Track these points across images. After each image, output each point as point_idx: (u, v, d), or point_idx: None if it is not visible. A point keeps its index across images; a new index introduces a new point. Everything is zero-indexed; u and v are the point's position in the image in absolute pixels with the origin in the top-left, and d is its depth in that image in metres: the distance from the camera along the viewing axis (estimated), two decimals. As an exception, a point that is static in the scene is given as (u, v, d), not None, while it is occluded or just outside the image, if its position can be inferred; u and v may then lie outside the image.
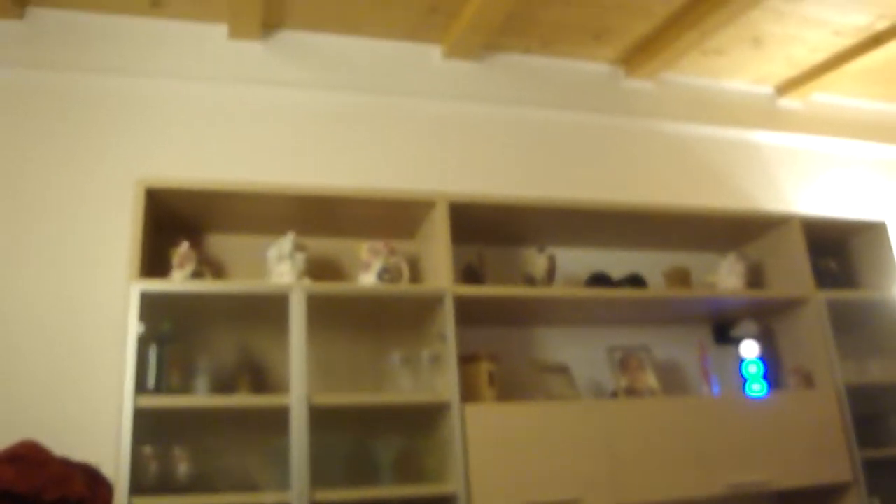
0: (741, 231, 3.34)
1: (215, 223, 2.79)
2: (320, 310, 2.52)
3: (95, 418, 2.51)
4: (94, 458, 2.38)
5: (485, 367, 2.64)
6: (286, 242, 2.61)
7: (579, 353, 3.13)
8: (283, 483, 2.30)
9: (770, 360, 3.22)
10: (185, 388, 2.39)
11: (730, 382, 3.26)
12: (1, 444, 2.24)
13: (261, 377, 2.65)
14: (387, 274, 2.66)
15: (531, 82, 3.59)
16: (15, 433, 2.34)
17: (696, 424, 2.72)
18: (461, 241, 2.89)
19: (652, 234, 3.28)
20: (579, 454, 2.54)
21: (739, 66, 3.85)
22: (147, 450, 2.27)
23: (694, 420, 2.72)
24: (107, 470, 2.34)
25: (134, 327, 2.25)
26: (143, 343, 2.27)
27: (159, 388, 2.30)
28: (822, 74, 3.85)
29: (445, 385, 2.52)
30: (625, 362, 2.98)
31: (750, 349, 3.16)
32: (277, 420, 2.31)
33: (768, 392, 3.02)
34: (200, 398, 2.36)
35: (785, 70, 3.90)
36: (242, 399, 2.40)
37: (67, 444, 2.38)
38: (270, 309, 2.50)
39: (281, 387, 2.55)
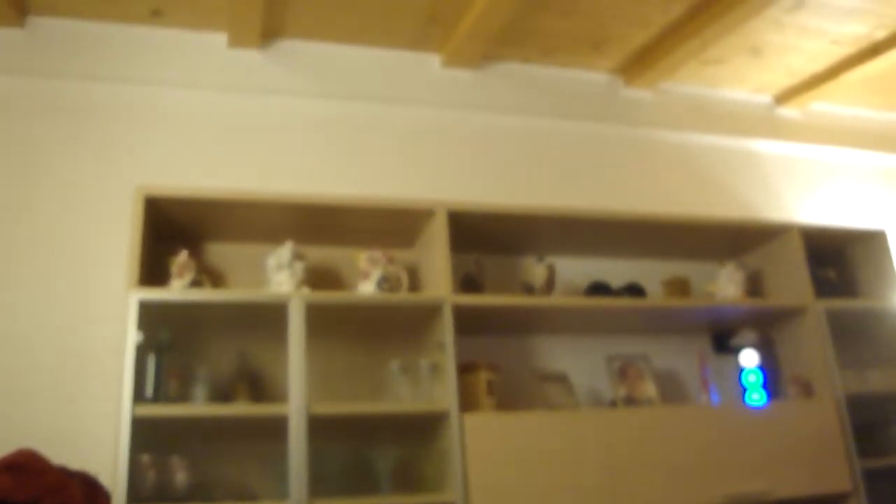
0: (740, 240, 3.34)
1: (214, 232, 2.79)
2: (319, 319, 2.52)
3: (93, 427, 2.50)
4: (91, 466, 2.37)
5: (483, 377, 2.63)
6: (285, 251, 2.61)
7: (578, 362, 3.12)
8: (281, 492, 2.29)
9: (769, 369, 3.22)
10: (184, 397, 2.39)
11: (729, 392, 3.26)
12: (-2, 453, 2.24)
13: (259, 386, 2.64)
14: (386, 283, 2.66)
15: (530, 91, 3.60)
16: (13, 441, 2.34)
17: (696, 434, 2.71)
18: (460, 250, 2.89)
19: (651, 243, 3.28)
20: (578, 463, 2.53)
21: (738, 76, 3.85)
22: (145, 459, 2.26)
23: (693, 429, 2.72)
24: (105, 479, 2.33)
25: (132, 336, 2.25)
26: (141, 352, 2.27)
27: (157, 397, 2.29)
28: (821, 84, 3.85)
29: (444, 394, 2.52)
30: (624, 371, 2.97)
31: (749, 358, 3.16)
32: (276, 429, 2.31)
33: (768, 401, 3.01)
34: (199, 407, 2.35)
35: (784, 79, 3.91)
36: (241, 408, 2.40)
37: (65, 453, 2.37)
38: (269, 318, 2.50)
39: (279, 396, 2.54)
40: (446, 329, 2.57)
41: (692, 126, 3.83)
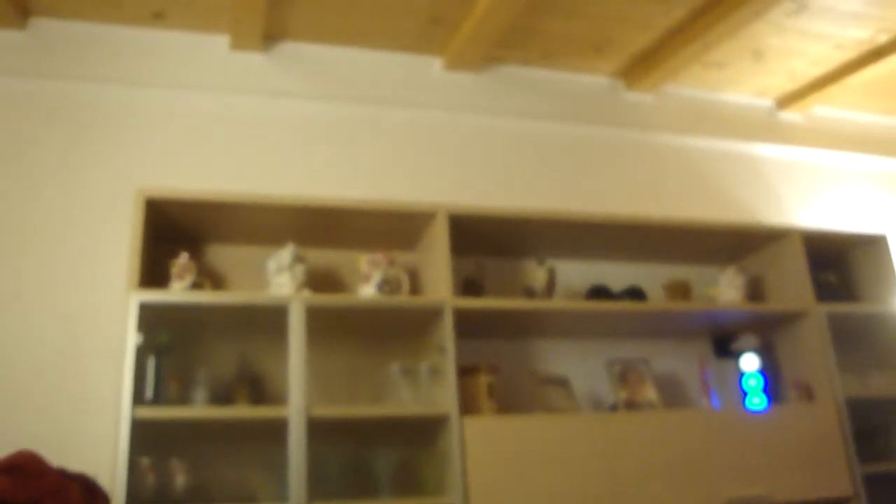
0: (741, 244, 3.34)
1: (215, 234, 2.79)
2: (319, 321, 2.52)
3: (93, 429, 2.50)
4: (91, 469, 2.36)
5: (484, 380, 2.63)
6: (286, 254, 2.60)
7: (579, 365, 3.12)
8: (281, 495, 2.29)
9: (770, 373, 3.21)
10: (184, 400, 2.39)
11: (730, 396, 3.25)
12: (-2, 455, 2.23)
13: (259, 389, 2.64)
14: (386, 286, 2.66)
15: (532, 94, 3.59)
16: (12, 443, 2.33)
17: (696, 438, 2.71)
18: (461, 253, 2.89)
19: (652, 247, 3.28)
20: (578, 467, 2.53)
21: (740, 79, 3.85)
22: (144, 461, 2.26)
23: (694, 433, 2.71)
24: (104, 481, 2.33)
25: (132, 338, 2.25)
26: (141, 354, 2.27)
27: (157, 400, 2.29)
28: (823, 87, 3.85)
29: (444, 397, 2.51)
30: (624, 375, 2.97)
31: (750, 362, 3.15)
32: (276, 432, 2.31)
33: (768, 405, 3.01)
34: (199, 409, 2.35)
35: (786, 83, 3.91)
36: (241, 411, 2.40)
37: (64, 455, 2.36)
38: (269, 320, 2.50)
39: (279, 399, 2.54)
40: (447, 332, 2.57)
41: (693, 130, 3.83)
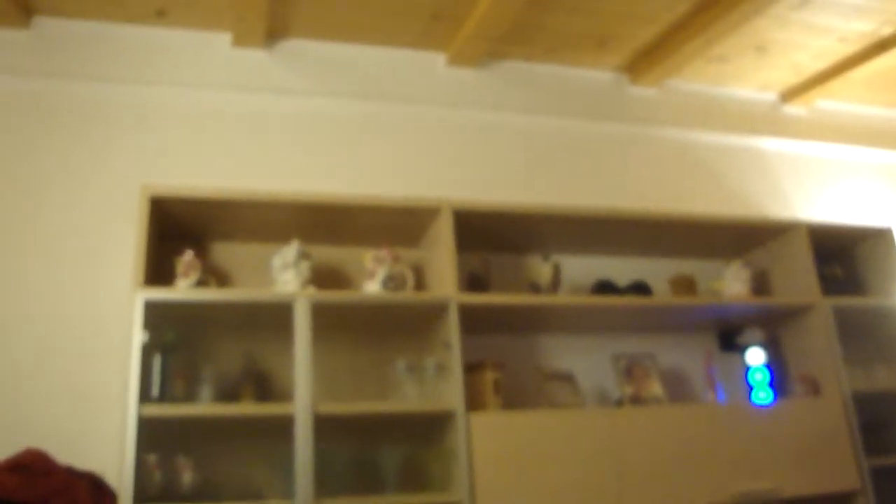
0: (746, 238, 3.33)
1: (219, 231, 2.79)
2: (325, 318, 2.52)
3: (100, 427, 2.51)
4: (98, 467, 2.37)
5: (490, 376, 2.63)
6: (290, 251, 2.60)
7: (584, 360, 3.12)
8: (287, 492, 2.29)
9: (776, 367, 3.21)
10: (190, 397, 2.39)
11: (736, 390, 3.25)
12: (5, 453, 2.24)
13: (265, 386, 2.64)
14: (391, 282, 2.66)
15: (535, 90, 3.59)
16: (19, 442, 2.34)
17: (702, 432, 2.70)
18: (465, 249, 2.89)
19: (657, 242, 3.27)
20: (584, 462, 2.52)
21: (744, 73, 3.84)
22: (151, 459, 2.27)
23: (700, 428, 2.71)
24: (111, 479, 2.34)
25: (138, 336, 2.25)
26: (147, 352, 2.27)
27: (163, 397, 2.29)
28: (827, 81, 3.84)
29: (450, 393, 2.51)
30: (630, 370, 2.97)
31: (756, 356, 3.15)
32: (282, 429, 2.31)
33: (774, 400, 3.00)
34: (204, 407, 2.35)
35: (789, 77, 3.90)
36: (246, 408, 2.40)
37: (72, 453, 2.37)
38: (275, 317, 2.50)
39: (285, 395, 2.54)
40: (452, 328, 2.57)
41: (698, 124, 3.82)
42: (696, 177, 3.71)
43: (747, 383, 3.14)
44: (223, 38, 3.17)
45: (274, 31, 3.21)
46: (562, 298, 2.82)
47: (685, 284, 3.20)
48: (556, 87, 3.63)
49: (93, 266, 2.71)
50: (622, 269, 3.34)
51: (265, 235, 2.83)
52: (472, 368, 2.64)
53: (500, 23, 3.14)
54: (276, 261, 2.62)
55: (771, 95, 4.06)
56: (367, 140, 3.23)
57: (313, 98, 3.22)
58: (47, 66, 2.93)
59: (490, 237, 3.03)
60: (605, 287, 3.09)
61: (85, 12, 2.98)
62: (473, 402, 2.55)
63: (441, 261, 2.72)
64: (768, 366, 3.13)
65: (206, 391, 2.42)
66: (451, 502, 2.38)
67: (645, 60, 3.63)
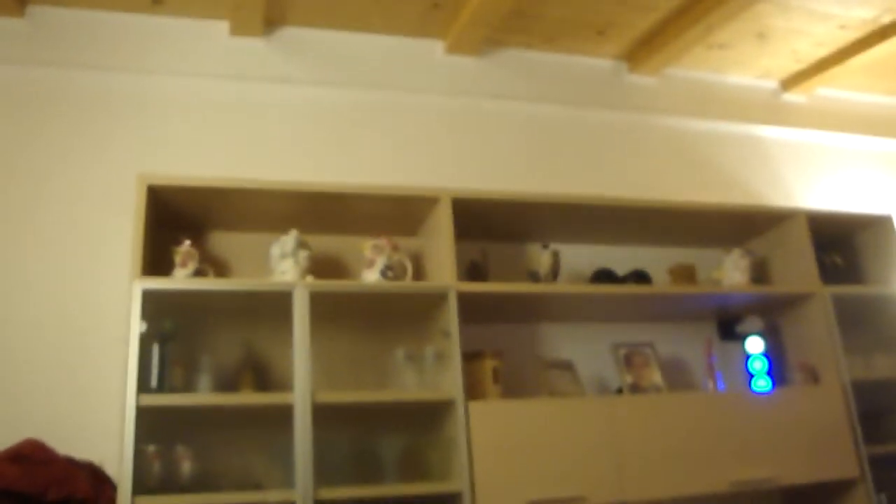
0: (746, 226, 3.32)
1: (218, 221, 2.78)
2: (323, 307, 2.51)
3: (99, 417, 2.50)
4: (97, 457, 2.37)
5: (489, 364, 2.63)
6: (289, 240, 2.60)
7: (584, 349, 3.12)
8: (286, 481, 2.29)
9: (775, 355, 3.21)
10: (188, 387, 2.39)
11: (735, 379, 3.25)
12: (5, 444, 2.24)
13: (264, 375, 2.64)
14: (390, 271, 2.65)
15: (534, 78, 3.57)
16: (19, 432, 2.34)
17: (702, 421, 2.70)
18: (465, 238, 2.88)
19: (656, 230, 3.27)
20: (584, 451, 2.52)
21: (744, 61, 3.83)
22: (150, 449, 2.26)
23: (699, 417, 2.71)
24: (110, 469, 2.34)
25: (136, 326, 2.25)
26: (145, 341, 2.26)
27: (162, 387, 2.29)
28: (828, 69, 3.82)
29: (450, 382, 2.51)
30: (630, 359, 2.96)
31: (755, 345, 3.15)
32: (281, 418, 2.31)
33: (774, 388, 3.00)
34: (203, 397, 2.35)
35: (790, 64, 3.88)
36: (246, 397, 2.40)
37: (71, 444, 2.37)
38: (273, 307, 2.50)
39: (284, 385, 2.54)
40: (451, 317, 2.56)
41: (697, 112, 3.81)
42: (696, 165, 3.70)
43: (747, 372, 3.14)
44: (220, 27, 3.15)
45: (271, 20, 3.19)
46: (561, 287, 2.82)
47: (685, 273, 3.20)
48: (556, 76, 3.62)
49: (90, 256, 2.70)
50: (622, 257, 3.34)
51: (263, 225, 2.82)
52: (471, 357, 2.64)
53: (498, 10, 3.12)
54: (275, 250, 2.61)
55: (771, 83, 4.04)
56: (365, 129, 3.22)
57: (311, 87, 3.20)
58: (42, 55, 2.91)
59: (489, 226, 3.02)
60: (604, 276, 3.08)
61: (80, 1, 2.96)
62: (473, 391, 2.55)
63: (440, 250, 2.72)
64: (768, 354, 3.13)
65: (204, 381, 2.42)
66: (451, 491, 2.39)
67: (644, 48, 3.62)
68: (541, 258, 2.91)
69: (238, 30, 3.13)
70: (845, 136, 4.08)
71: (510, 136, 3.44)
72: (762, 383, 3.07)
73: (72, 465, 2.27)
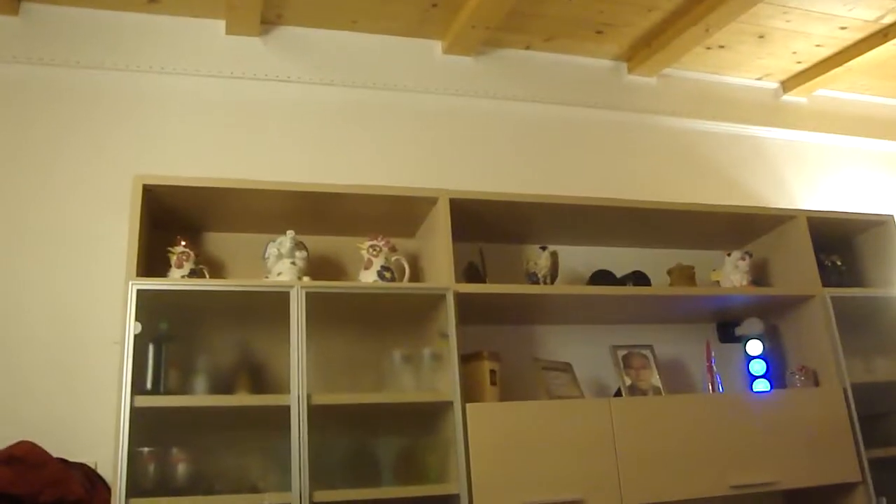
0: (746, 228, 3.31)
1: (214, 221, 2.76)
2: (320, 308, 2.49)
3: (93, 419, 2.48)
4: (91, 459, 2.36)
5: (487, 366, 2.61)
6: (286, 240, 2.58)
7: (582, 351, 3.10)
8: (283, 484, 2.27)
9: (775, 358, 3.19)
10: (184, 388, 2.37)
11: (735, 381, 3.23)
12: (-3, 445, 2.22)
13: (260, 377, 2.62)
14: (388, 272, 2.64)
15: (533, 78, 3.56)
16: (12, 434, 2.32)
17: (701, 424, 2.69)
18: (463, 239, 2.86)
19: (656, 232, 3.25)
20: (583, 454, 2.51)
21: (744, 62, 3.82)
22: (145, 451, 2.24)
23: (699, 419, 2.69)
24: (104, 471, 2.32)
25: (131, 326, 2.23)
26: (140, 342, 2.24)
27: (157, 389, 2.27)
28: (828, 70, 3.81)
29: (447, 384, 2.49)
30: (628, 361, 2.95)
31: (755, 347, 3.13)
32: (277, 420, 2.29)
33: (773, 390, 2.99)
34: (199, 398, 2.33)
35: (790, 65, 3.87)
36: (241, 399, 2.38)
37: (65, 445, 2.35)
38: (270, 308, 2.48)
39: (281, 386, 2.51)
40: (449, 318, 2.55)
41: (697, 113, 3.80)
42: (696, 166, 3.69)
43: (747, 374, 3.13)
44: (217, 26, 3.14)
45: (268, 19, 3.17)
46: (560, 288, 2.80)
47: (684, 275, 3.18)
48: (555, 76, 3.60)
49: (85, 256, 2.69)
50: (621, 259, 3.32)
51: (260, 225, 2.80)
52: (468, 359, 2.62)
53: (497, 10, 3.11)
54: (272, 250, 2.59)
55: (771, 84, 4.03)
56: (363, 129, 3.20)
57: (308, 86, 3.19)
58: (37, 53, 2.89)
59: (487, 227, 3.00)
60: (603, 277, 3.07)
61: (76, -1, 2.95)
62: (470, 392, 2.54)
63: (438, 250, 2.70)
64: (767, 356, 3.12)
65: (200, 382, 2.40)
66: (448, 493, 2.37)
67: (644, 49, 3.61)
68: (539, 259, 2.90)
69: (234, 29, 3.11)
70: (846, 138, 4.07)
71: (508, 136, 3.42)
72: (762, 386, 3.05)
73: (65, 467, 2.26)
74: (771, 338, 3.23)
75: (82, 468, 2.30)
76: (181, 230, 2.69)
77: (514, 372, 2.91)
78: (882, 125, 4.19)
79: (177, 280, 2.41)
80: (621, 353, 2.96)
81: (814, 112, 4.07)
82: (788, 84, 4.00)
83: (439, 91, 3.38)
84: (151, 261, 2.52)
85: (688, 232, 3.28)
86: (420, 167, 3.22)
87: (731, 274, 3.15)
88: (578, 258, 3.27)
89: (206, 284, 2.41)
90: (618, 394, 2.88)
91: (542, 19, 3.35)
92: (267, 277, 2.59)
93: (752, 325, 3.19)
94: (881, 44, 3.58)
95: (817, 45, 3.69)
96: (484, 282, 2.82)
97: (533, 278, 2.89)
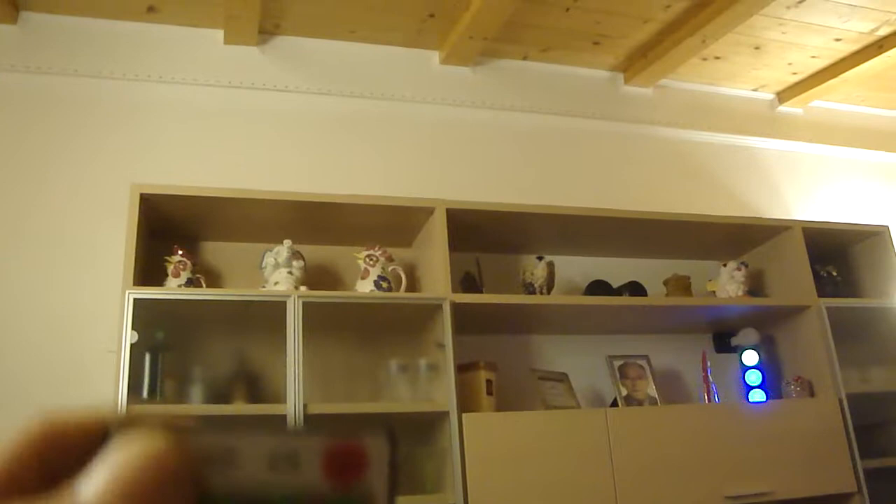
0: (742, 238, 3.31)
1: (211, 230, 2.76)
2: (317, 318, 2.49)
3: (88, 428, 2.47)
4: (86, 468, 2.34)
5: (483, 376, 2.61)
6: (283, 250, 2.58)
7: (578, 361, 3.10)
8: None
9: (771, 368, 3.19)
10: (180, 398, 2.37)
11: (731, 391, 3.23)
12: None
13: (257, 386, 2.62)
14: (384, 282, 2.64)
15: (529, 89, 3.57)
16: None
17: (697, 434, 2.69)
18: (459, 249, 2.87)
19: (652, 242, 3.26)
20: (578, 464, 2.50)
21: (740, 73, 3.83)
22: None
23: (694, 429, 2.69)
24: (100, 480, 2.31)
25: (128, 335, 2.23)
26: (136, 352, 2.24)
27: (154, 398, 2.27)
28: (823, 81, 3.83)
29: (443, 394, 2.49)
30: (624, 371, 2.95)
31: (751, 357, 3.13)
32: (273, 430, 2.28)
33: (769, 401, 2.99)
34: (195, 407, 2.33)
35: (786, 76, 3.89)
36: (238, 408, 2.38)
37: (60, 454, 2.34)
38: (267, 317, 2.47)
39: (277, 396, 2.51)
40: (445, 328, 2.55)
41: (693, 124, 3.81)
42: (692, 177, 3.70)
43: (742, 384, 3.13)
44: (215, 35, 3.14)
45: (266, 29, 3.18)
46: (556, 298, 2.81)
47: (680, 285, 3.19)
48: (551, 86, 3.61)
49: (82, 265, 2.68)
50: (617, 269, 3.32)
51: (257, 234, 2.80)
52: (465, 369, 2.62)
53: (494, 21, 3.12)
54: (268, 260, 2.59)
55: (767, 95, 4.05)
56: (360, 139, 3.21)
57: (306, 96, 3.20)
58: (36, 62, 2.90)
59: (484, 237, 3.01)
60: (599, 287, 3.07)
61: (74, 8, 2.95)
62: (466, 402, 2.53)
63: (435, 260, 2.70)
64: (763, 367, 3.12)
65: (196, 391, 2.40)
66: (444, 503, 2.37)
67: (640, 59, 3.62)
68: (536, 269, 2.90)
69: (232, 38, 3.12)
70: (841, 149, 4.08)
71: (506, 146, 3.43)
72: (758, 396, 3.06)
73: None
74: (767, 348, 3.23)
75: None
76: (178, 239, 2.69)
77: (510, 382, 2.91)
78: (877, 136, 4.20)
79: (173, 289, 2.41)
80: (617, 363, 2.96)
81: (809, 123, 4.08)
82: (784, 95, 4.01)
83: (436, 101, 3.39)
84: (148, 270, 2.52)
85: (684, 242, 3.29)
86: (417, 177, 3.22)
87: (726, 284, 3.15)
88: (575, 268, 3.27)
89: (203, 294, 2.41)
90: (614, 404, 2.88)
91: (539, 30, 3.36)
92: (264, 287, 2.59)
93: (748, 335, 3.19)
94: (876, 55, 3.60)
95: (813, 57, 3.71)
96: (480, 292, 2.82)
97: (529, 288, 2.89)
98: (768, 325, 3.27)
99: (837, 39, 3.56)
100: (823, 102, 4.13)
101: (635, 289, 3.12)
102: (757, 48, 3.62)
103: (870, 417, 3.08)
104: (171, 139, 2.95)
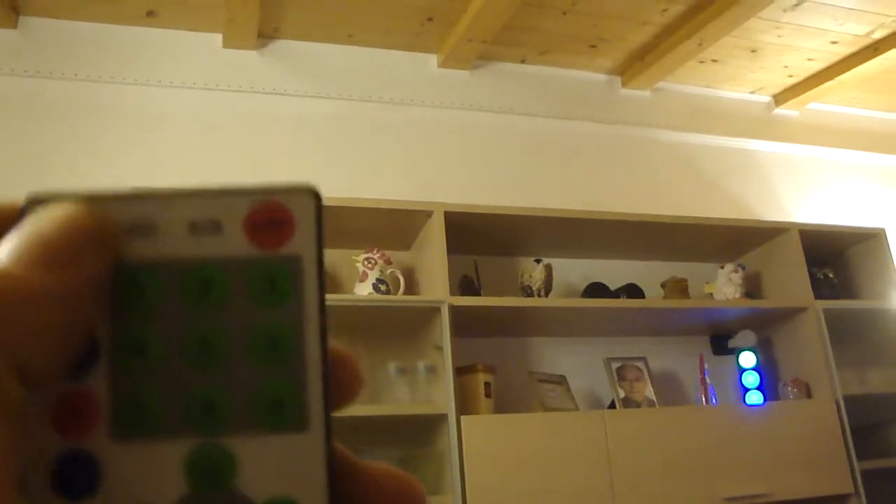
0: (739, 241, 3.32)
1: (210, 233, 2.76)
2: (315, 321, 2.50)
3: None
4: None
5: (481, 379, 2.62)
6: (281, 253, 2.58)
7: (576, 363, 3.11)
8: (277, 496, 2.27)
9: (768, 370, 3.21)
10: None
11: (728, 393, 3.24)
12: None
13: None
14: (383, 284, 2.65)
15: (527, 92, 3.58)
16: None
17: (695, 436, 2.70)
18: (457, 252, 2.87)
19: (649, 244, 3.27)
20: (577, 466, 2.51)
21: (736, 76, 3.84)
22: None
23: (692, 431, 2.70)
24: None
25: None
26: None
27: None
28: (820, 84, 3.84)
29: (442, 396, 2.50)
30: (622, 373, 2.96)
31: (748, 359, 3.14)
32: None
33: (766, 402, 3.00)
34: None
35: (782, 79, 3.90)
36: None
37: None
38: (265, 320, 2.48)
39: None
40: (444, 331, 2.56)
41: (690, 126, 3.82)
42: (689, 179, 3.71)
43: (740, 386, 3.14)
44: (214, 39, 3.15)
45: (265, 32, 3.19)
46: (554, 301, 2.81)
47: (677, 287, 3.20)
48: (549, 89, 3.62)
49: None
50: (614, 271, 3.33)
51: (256, 237, 2.80)
52: (463, 371, 2.63)
53: (492, 24, 3.13)
54: (267, 263, 2.60)
55: (763, 98, 4.06)
56: (358, 142, 3.22)
57: (305, 100, 3.20)
58: (35, 66, 2.90)
59: (482, 239, 3.01)
60: (597, 290, 3.08)
61: (73, 12, 2.96)
62: (465, 405, 2.54)
63: (433, 263, 2.71)
64: (760, 369, 3.13)
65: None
66: (443, 506, 2.37)
67: (637, 62, 3.63)
68: (534, 272, 2.91)
69: (231, 42, 3.13)
70: (837, 151, 4.10)
71: (503, 149, 3.44)
72: (755, 398, 3.07)
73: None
74: (764, 350, 3.24)
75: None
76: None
77: (508, 384, 2.92)
78: (873, 138, 4.22)
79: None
80: (615, 365, 2.97)
81: (806, 125, 4.09)
82: (780, 97, 4.03)
83: (435, 104, 3.40)
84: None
85: (681, 245, 3.30)
86: (415, 180, 3.23)
87: (724, 286, 3.16)
88: (573, 271, 3.28)
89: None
90: (612, 406, 2.89)
91: (537, 33, 3.37)
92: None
93: (746, 337, 3.20)
94: (872, 58, 3.61)
95: (809, 60, 3.72)
96: (479, 294, 2.83)
97: (527, 291, 2.90)
98: (765, 327, 3.28)
99: (833, 42, 3.57)
100: (820, 105, 4.15)
101: (633, 291, 3.13)
102: (753, 51, 3.63)
103: (867, 419, 3.09)
104: (170, 143, 2.96)
